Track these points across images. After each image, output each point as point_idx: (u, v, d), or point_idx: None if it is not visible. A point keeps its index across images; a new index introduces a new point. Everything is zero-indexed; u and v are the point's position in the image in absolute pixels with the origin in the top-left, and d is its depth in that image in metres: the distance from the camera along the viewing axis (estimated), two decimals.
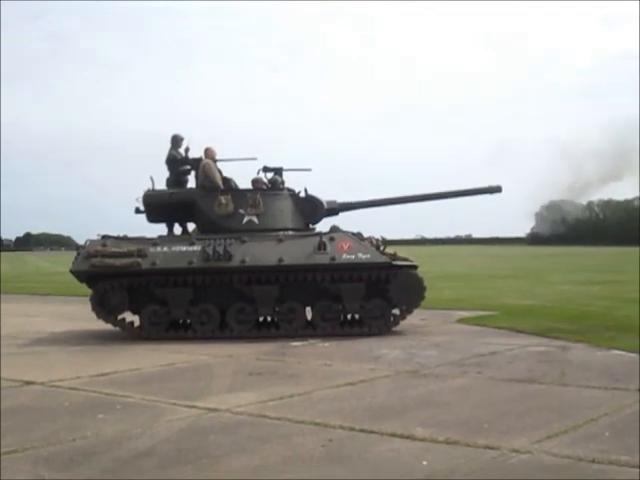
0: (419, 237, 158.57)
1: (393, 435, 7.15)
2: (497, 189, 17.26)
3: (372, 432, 7.28)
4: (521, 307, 19.63)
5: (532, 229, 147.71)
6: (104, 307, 15.15)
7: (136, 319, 15.50)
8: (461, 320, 17.27)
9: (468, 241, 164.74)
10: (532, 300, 21.65)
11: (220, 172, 15.94)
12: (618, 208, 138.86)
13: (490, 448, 6.63)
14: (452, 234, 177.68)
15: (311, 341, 14.28)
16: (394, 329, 15.26)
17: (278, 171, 16.36)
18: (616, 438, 6.92)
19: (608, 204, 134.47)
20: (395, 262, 14.99)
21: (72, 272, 15.32)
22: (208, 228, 15.58)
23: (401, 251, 15.86)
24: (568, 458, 6.32)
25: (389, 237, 15.93)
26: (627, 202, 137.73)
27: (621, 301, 20.48)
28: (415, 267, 15.42)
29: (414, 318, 15.95)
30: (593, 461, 6.21)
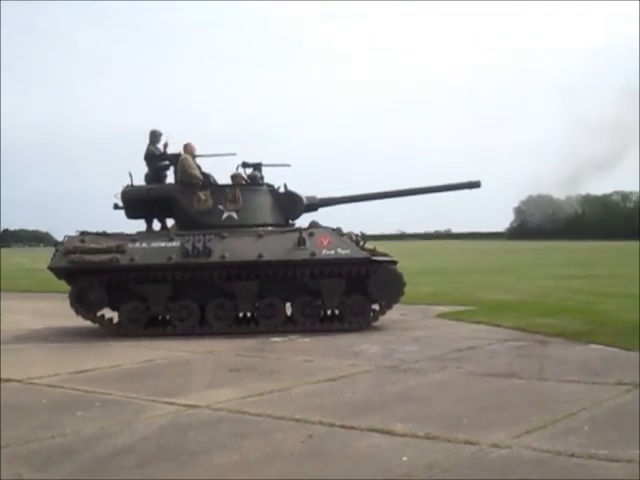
0: (399, 232, 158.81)
1: (373, 430, 7.15)
2: (476, 184, 17.30)
3: (352, 428, 7.28)
4: (500, 302, 19.67)
5: (511, 223, 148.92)
6: (83, 304, 15.09)
7: (115, 315, 15.44)
8: (440, 315, 17.32)
9: (448, 236, 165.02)
10: (511, 295, 21.70)
11: (199, 167, 15.90)
12: (596, 203, 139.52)
13: (470, 443, 6.64)
14: (432, 229, 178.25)
15: (291, 337, 14.27)
16: (374, 324, 15.28)
17: (257, 166, 16.35)
18: (595, 432, 6.95)
19: (586, 199, 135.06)
20: (375, 258, 15.01)
21: (50, 269, 15.25)
22: (187, 224, 15.54)
23: (381, 246, 15.92)
24: (547, 452, 6.34)
25: (369, 232, 15.95)
26: (605, 197, 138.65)
27: (600, 295, 20.56)
28: (395, 262, 15.45)
29: (394, 313, 15.97)
30: (572, 455, 6.24)
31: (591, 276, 29.51)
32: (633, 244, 77.45)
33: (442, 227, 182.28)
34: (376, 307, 15.31)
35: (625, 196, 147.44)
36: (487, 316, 16.39)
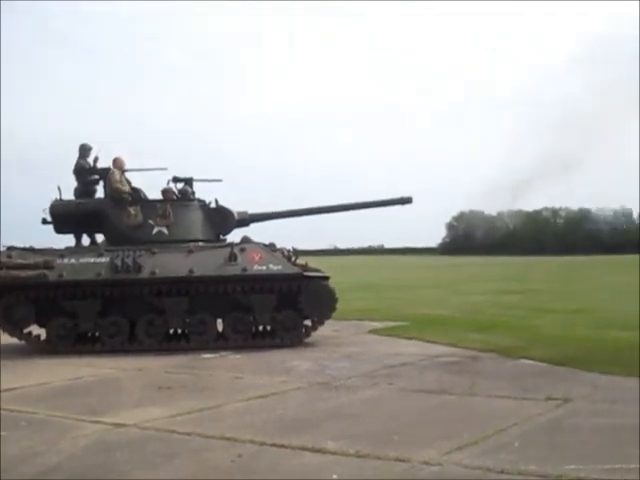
0: (332, 247, 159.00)
1: (303, 449, 7.09)
2: (408, 200, 17.39)
3: (282, 446, 7.21)
4: (433, 317, 19.73)
5: (443, 239, 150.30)
6: (9, 320, 14.80)
7: (43, 332, 15.17)
8: (373, 331, 17.31)
9: (381, 251, 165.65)
10: (444, 310, 21.78)
11: (129, 182, 15.73)
12: (527, 219, 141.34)
13: (400, 460, 6.61)
14: (365, 244, 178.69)
15: (222, 353, 14.15)
16: (306, 340, 15.23)
17: (188, 181, 16.24)
18: (525, 448, 6.96)
19: (517, 215, 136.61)
20: (306, 273, 14.96)
21: None
22: (117, 239, 15.36)
23: (314, 262, 15.87)
24: (478, 469, 6.33)
25: (302, 248, 15.93)
26: (535, 213, 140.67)
27: (533, 311, 20.74)
28: (327, 278, 15.42)
29: (326, 329, 15.93)
30: (502, 472, 6.24)
31: (524, 291, 29.79)
32: (564, 259, 78.74)
33: (375, 242, 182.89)
34: (308, 323, 15.27)
35: (555, 212, 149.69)
36: (419, 332, 16.41)
